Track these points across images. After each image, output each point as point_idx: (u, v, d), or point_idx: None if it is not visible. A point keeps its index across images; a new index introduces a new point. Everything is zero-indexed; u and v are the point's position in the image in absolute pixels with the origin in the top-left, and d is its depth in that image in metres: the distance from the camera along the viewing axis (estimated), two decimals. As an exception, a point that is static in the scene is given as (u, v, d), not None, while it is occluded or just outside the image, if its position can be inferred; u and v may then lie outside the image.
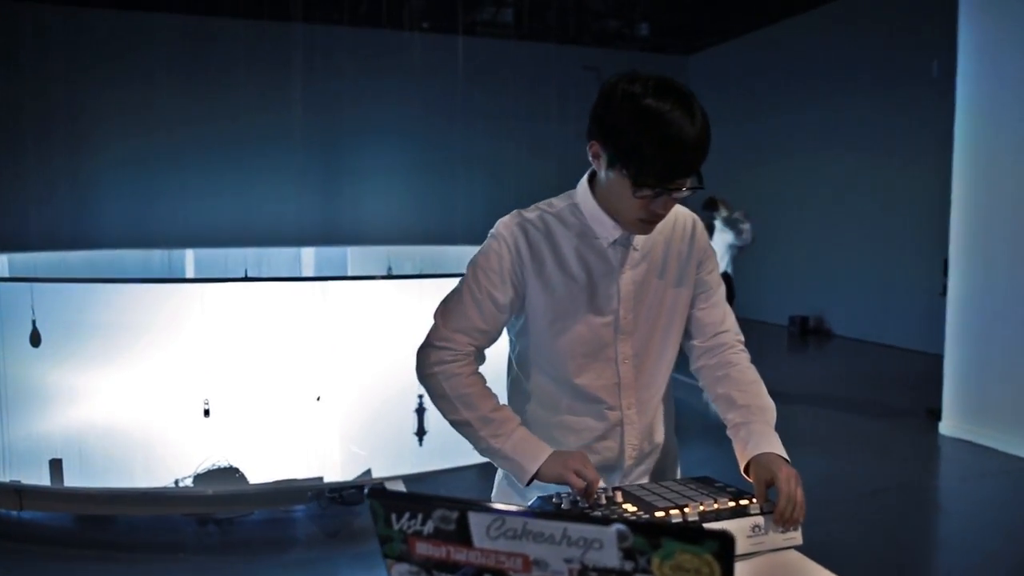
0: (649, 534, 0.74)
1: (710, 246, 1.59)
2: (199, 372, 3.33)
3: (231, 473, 3.44)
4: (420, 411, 3.59)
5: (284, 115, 10.31)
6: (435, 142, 11.24)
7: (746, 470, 1.41)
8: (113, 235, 9.35)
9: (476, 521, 0.81)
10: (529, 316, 1.48)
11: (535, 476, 1.39)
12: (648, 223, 1.39)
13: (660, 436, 1.57)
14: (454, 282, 1.51)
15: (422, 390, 1.52)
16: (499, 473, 1.62)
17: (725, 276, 6.41)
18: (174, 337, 3.31)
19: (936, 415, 5.39)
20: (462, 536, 0.82)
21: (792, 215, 10.34)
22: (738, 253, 6.66)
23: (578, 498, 1.33)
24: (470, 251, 1.56)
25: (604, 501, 1.32)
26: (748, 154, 11.19)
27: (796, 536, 1.28)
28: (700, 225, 1.57)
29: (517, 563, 0.81)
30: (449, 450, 3.61)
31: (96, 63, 9.59)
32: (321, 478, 3.56)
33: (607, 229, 1.43)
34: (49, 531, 3.68)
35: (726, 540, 0.73)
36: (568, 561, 0.79)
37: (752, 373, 1.56)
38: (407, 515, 0.84)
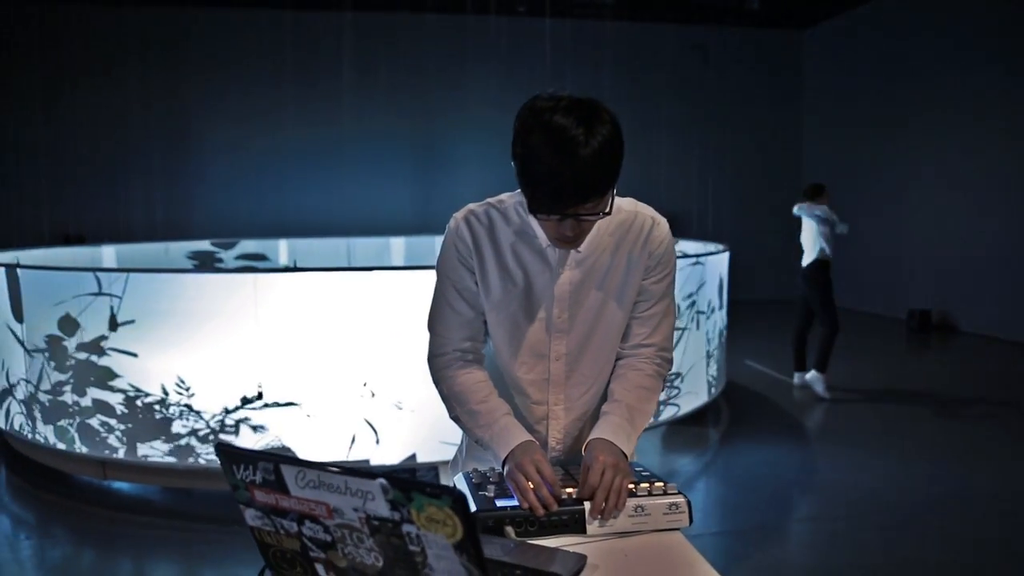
0: (403, 488, 0.92)
1: (668, 253, 1.61)
2: (252, 356, 3.71)
3: (283, 453, 3.81)
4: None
5: (379, 105, 10.83)
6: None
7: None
8: (216, 226, 10.17)
9: (288, 473, 1.01)
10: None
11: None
12: (563, 242, 1.46)
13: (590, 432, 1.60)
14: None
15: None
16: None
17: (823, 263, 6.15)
18: (229, 323, 3.70)
19: (1051, 423, 5.08)
20: (281, 486, 1.02)
21: (913, 199, 9.84)
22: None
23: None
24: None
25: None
26: (867, 135, 10.71)
27: (682, 518, 1.39)
28: (660, 230, 1.60)
29: (322, 510, 1.01)
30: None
31: (195, 61, 10.43)
32: (367, 461, 3.86)
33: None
34: (130, 500, 4.19)
35: (458, 497, 0.89)
36: (356, 510, 0.98)
37: (649, 381, 1.60)
38: (243, 467, 1.05)
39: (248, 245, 8.30)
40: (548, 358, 1.59)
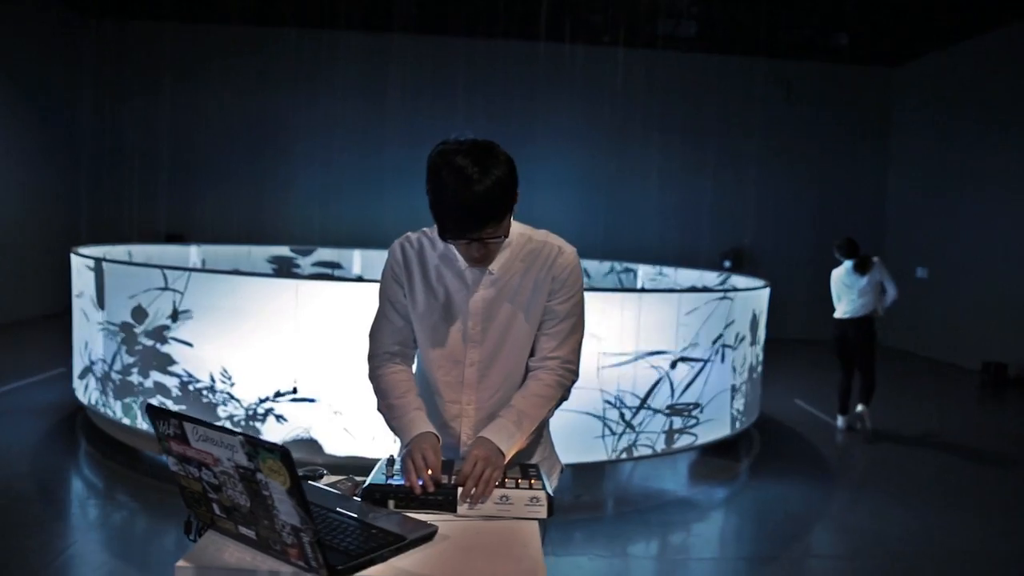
0: (252, 444, 1.25)
1: (573, 278, 1.87)
2: (289, 354, 4.14)
3: (310, 444, 4.22)
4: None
5: (457, 127, 11.32)
6: (611, 155, 11.69)
7: None
8: (300, 232, 10.89)
9: (188, 428, 1.36)
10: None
11: None
12: (474, 261, 1.76)
13: None
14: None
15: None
16: None
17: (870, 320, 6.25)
18: (272, 323, 4.15)
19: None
20: (185, 439, 1.37)
21: (998, 248, 9.50)
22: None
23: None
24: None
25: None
26: (953, 178, 10.42)
27: (541, 510, 1.65)
28: (564, 257, 1.86)
29: (210, 459, 1.35)
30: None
31: (287, 78, 11.24)
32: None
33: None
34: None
35: (285, 452, 1.21)
36: (229, 460, 1.31)
37: (547, 390, 1.85)
38: (162, 423, 1.40)
39: (325, 253, 8.90)
40: (463, 364, 1.88)
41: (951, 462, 5.78)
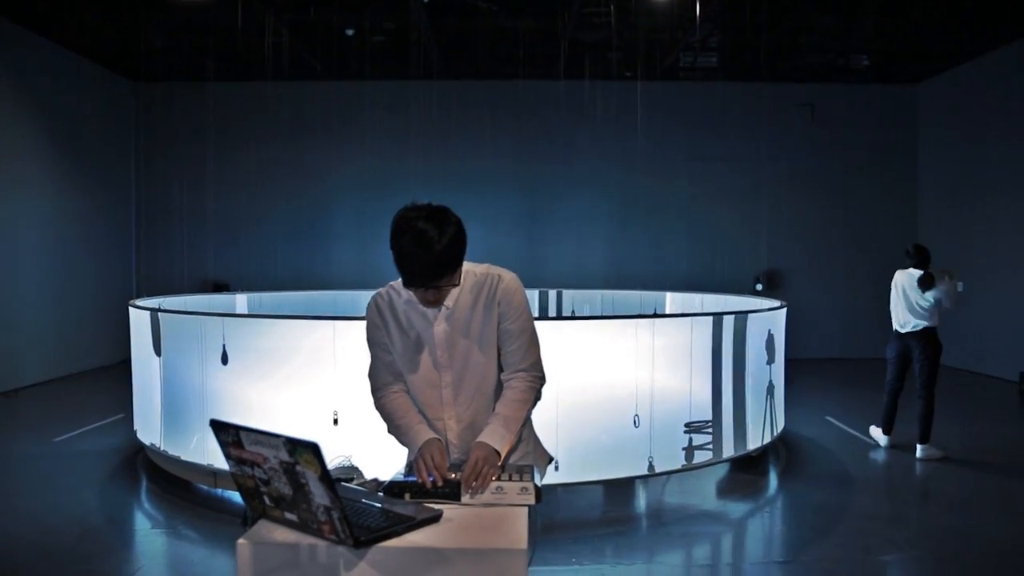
0: (291, 442, 1.66)
1: (516, 299, 2.27)
2: (331, 388, 4.58)
3: (352, 471, 4.62)
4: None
5: (487, 167, 11.86)
6: (637, 187, 12.06)
7: None
8: (337, 279, 11.47)
9: (243, 435, 1.77)
10: None
11: None
12: (428, 303, 2.17)
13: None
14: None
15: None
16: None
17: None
18: (314, 360, 4.60)
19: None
20: (240, 444, 1.79)
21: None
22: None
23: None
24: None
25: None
26: (986, 191, 10.55)
27: (530, 498, 2.04)
28: (504, 283, 2.26)
29: (260, 459, 1.76)
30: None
31: (327, 130, 11.92)
32: (410, 464, 4.62)
33: None
34: (234, 506, 5.13)
35: (315, 446, 1.62)
36: (275, 457, 1.72)
37: (521, 395, 2.26)
38: (223, 433, 1.82)
39: (365, 295, 9.40)
40: (440, 387, 2.32)
41: (986, 474, 5.92)
